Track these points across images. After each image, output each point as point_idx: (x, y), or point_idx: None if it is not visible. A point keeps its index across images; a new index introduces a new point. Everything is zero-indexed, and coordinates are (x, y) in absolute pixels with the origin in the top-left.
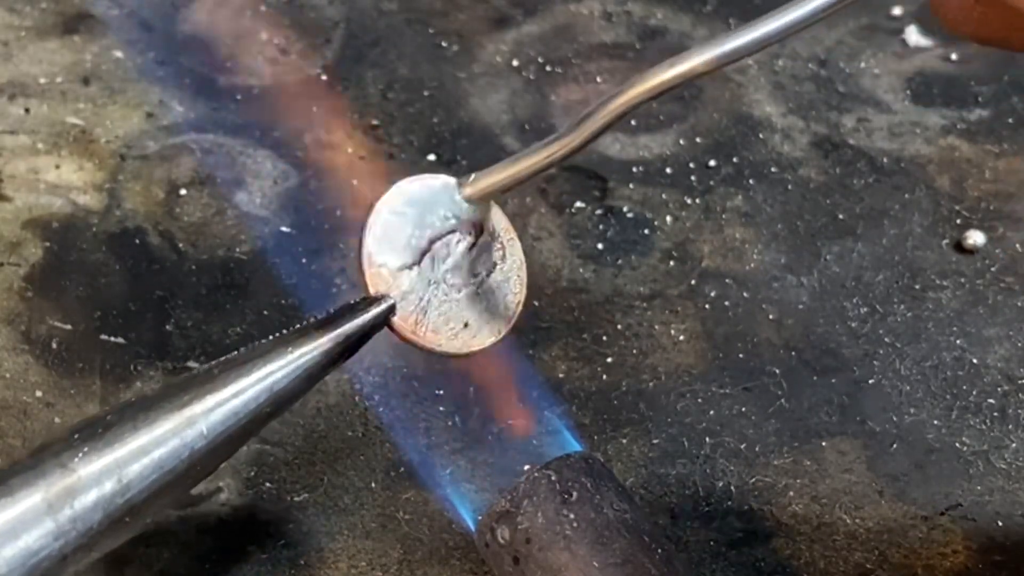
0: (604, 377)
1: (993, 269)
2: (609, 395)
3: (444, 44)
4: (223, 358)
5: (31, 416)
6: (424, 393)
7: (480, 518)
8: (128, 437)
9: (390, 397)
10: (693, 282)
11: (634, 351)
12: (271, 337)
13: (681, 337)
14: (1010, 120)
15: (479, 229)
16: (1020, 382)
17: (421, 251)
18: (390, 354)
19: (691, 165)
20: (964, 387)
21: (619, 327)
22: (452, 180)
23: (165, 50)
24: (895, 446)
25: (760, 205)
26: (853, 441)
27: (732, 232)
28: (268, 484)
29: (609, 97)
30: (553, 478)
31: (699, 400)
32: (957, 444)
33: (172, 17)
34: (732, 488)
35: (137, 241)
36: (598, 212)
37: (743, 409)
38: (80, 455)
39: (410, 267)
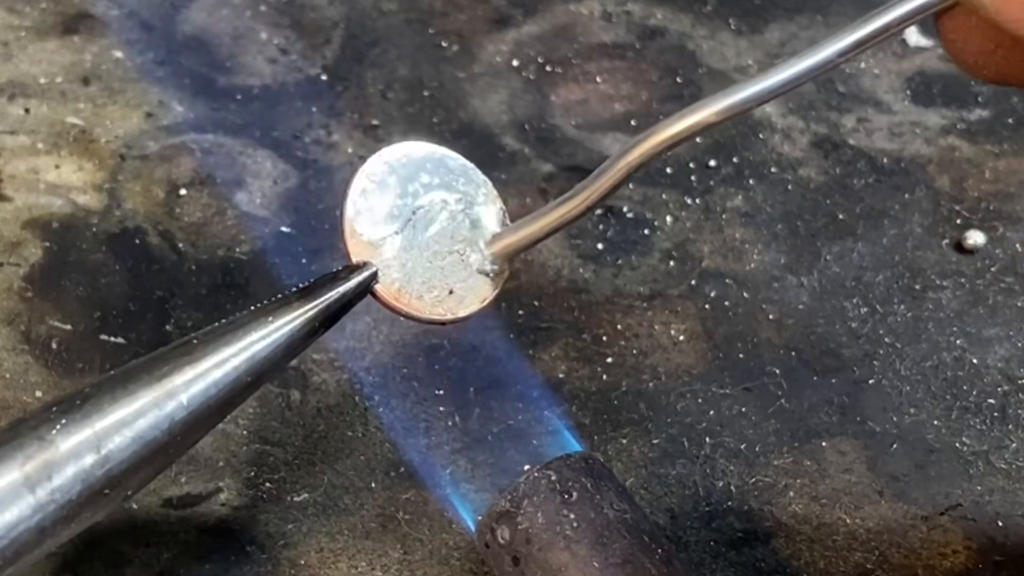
0: (604, 377)
1: (993, 269)
2: (609, 395)
3: (444, 44)
4: (203, 329)
5: None
6: (424, 393)
7: (480, 518)
8: (107, 409)
9: (390, 397)
10: (693, 282)
11: (634, 351)
12: (252, 307)
13: (681, 337)
14: (1010, 120)
15: (463, 196)
16: (1020, 382)
17: (404, 219)
18: (390, 354)
19: (691, 165)
20: (964, 387)
21: (619, 327)
22: (435, 147)
23: (165, 50)
24: (895, 446)
25: (760, 205)
26: (853, 441)
27: (732, 232)
28: (268, 484)
29: (624, 151)
30: (553, 478)
31: (699, 400)
32: (957, 444)
33: (172, 17)
34: (732, 488)
35: (137, 241)
36: (598, 212)
37: (743, 409)
38: (58, 427)
39: (393, 235)
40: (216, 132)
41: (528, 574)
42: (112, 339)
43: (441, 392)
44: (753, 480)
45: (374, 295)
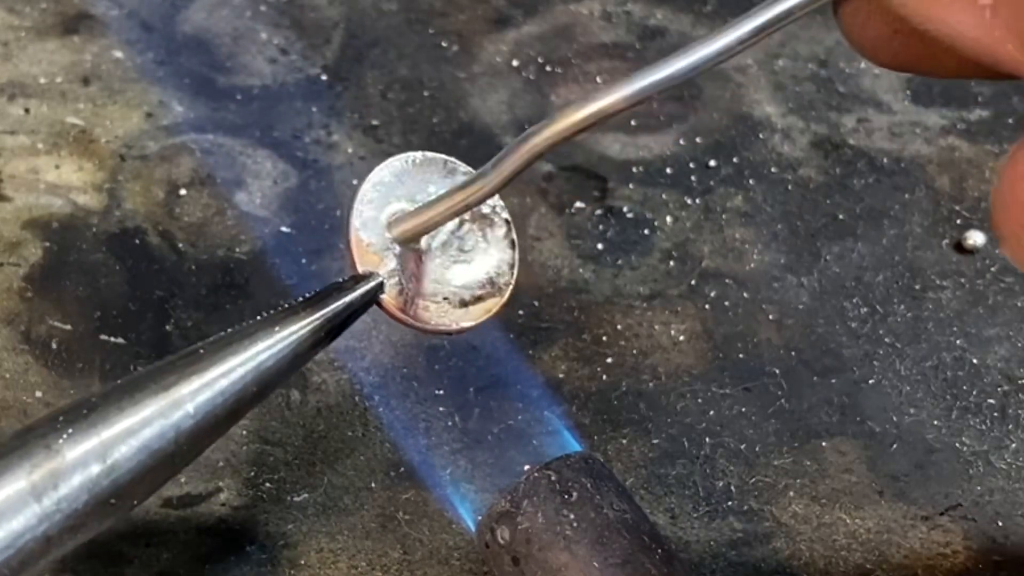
0: (604, 377)
1: (993, 269)
2: (609, 395)
3: (444, 44)
4: (209, 339)
5: (31, 416)
6: (424, 393)
7: (480, 518)
8: (114, 418)
9: (390, 397)
10: (693, 282)
11: (634, 351)
12: (258, 317)
13: (681, 337)
14: (1010, 120)
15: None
16: (1020, 382)
17: None
18: (390, 354)
19: (691, 165)
20: (964, 387)
21: (619, 327)
22: (443, 157)
23: (165, 50)
24: (895, 446)
25: (760, 205)
26: (853, 441)
27: (732, 232)
28: (268, 484)
29: (526, 136)
30: (553, 478)
31: (699, 400)
32: (957, 444)
33: (172, 17)
34: (732, 488)
35: (137, 241)
36: (598, 212)
37: (743, 409)
38: (65, 436)
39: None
40: (216, 132)
41: (528, 574)
42: (112, 339)
43: (441, 392)
44: (753, 480)
45: (380, 305)
